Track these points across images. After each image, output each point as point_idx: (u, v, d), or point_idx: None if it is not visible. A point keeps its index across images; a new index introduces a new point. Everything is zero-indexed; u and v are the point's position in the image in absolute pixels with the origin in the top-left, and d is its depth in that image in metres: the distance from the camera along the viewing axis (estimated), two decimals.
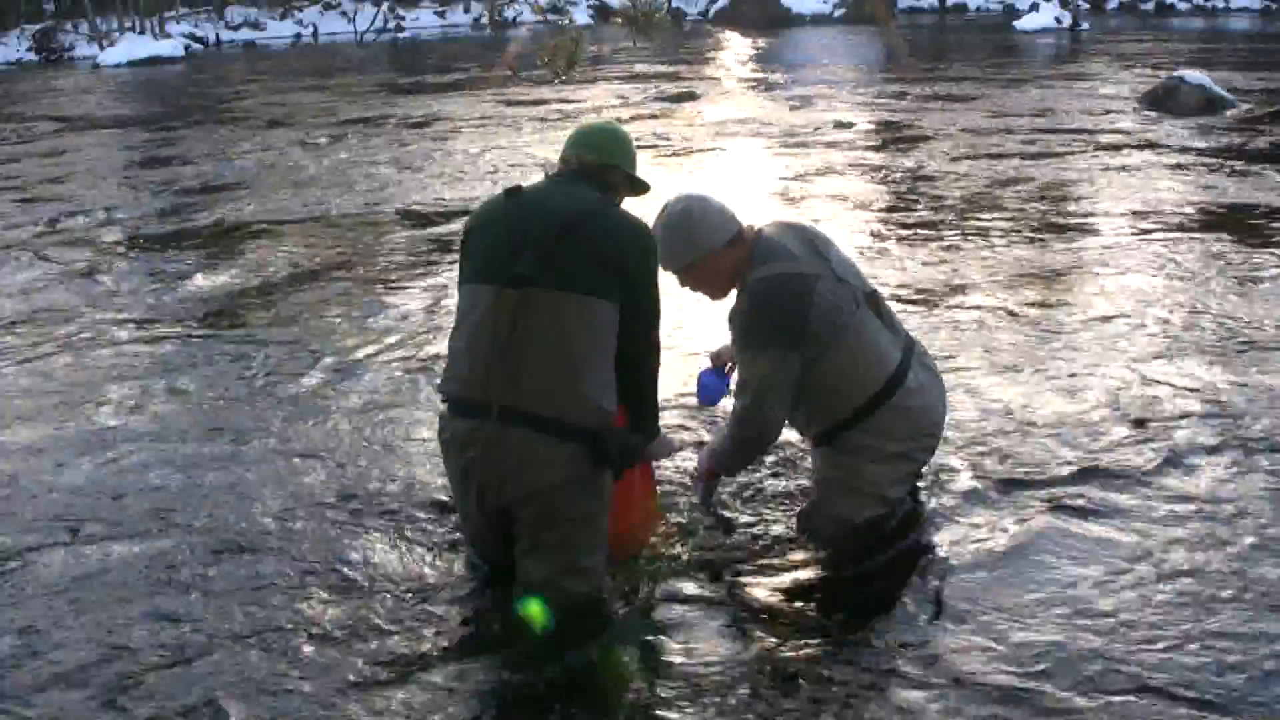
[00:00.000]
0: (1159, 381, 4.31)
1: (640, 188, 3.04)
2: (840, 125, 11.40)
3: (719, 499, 3.40)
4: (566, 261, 2.71)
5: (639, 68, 19.45)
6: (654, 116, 12.99)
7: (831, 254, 3.14)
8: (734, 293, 3.16)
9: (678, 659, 2.70)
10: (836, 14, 35.15)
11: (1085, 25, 27.61)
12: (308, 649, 2.77)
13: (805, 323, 2.96)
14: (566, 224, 2.74)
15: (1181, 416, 3.97)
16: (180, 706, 2.57)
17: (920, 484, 3.43)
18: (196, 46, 32.78)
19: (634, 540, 3.13)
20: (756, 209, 7.80)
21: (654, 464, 3.27)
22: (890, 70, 18.02)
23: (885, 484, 3.15)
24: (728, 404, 3.34)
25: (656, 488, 3.31)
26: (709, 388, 3.44)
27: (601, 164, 2.94)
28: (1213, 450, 3.69)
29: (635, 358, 2.83)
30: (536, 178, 3.03)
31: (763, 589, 2.99)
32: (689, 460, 3.67)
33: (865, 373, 3.04)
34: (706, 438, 3.85)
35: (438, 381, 2.89)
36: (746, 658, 2.70)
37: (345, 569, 3.14)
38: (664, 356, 3.02)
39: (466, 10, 40.09)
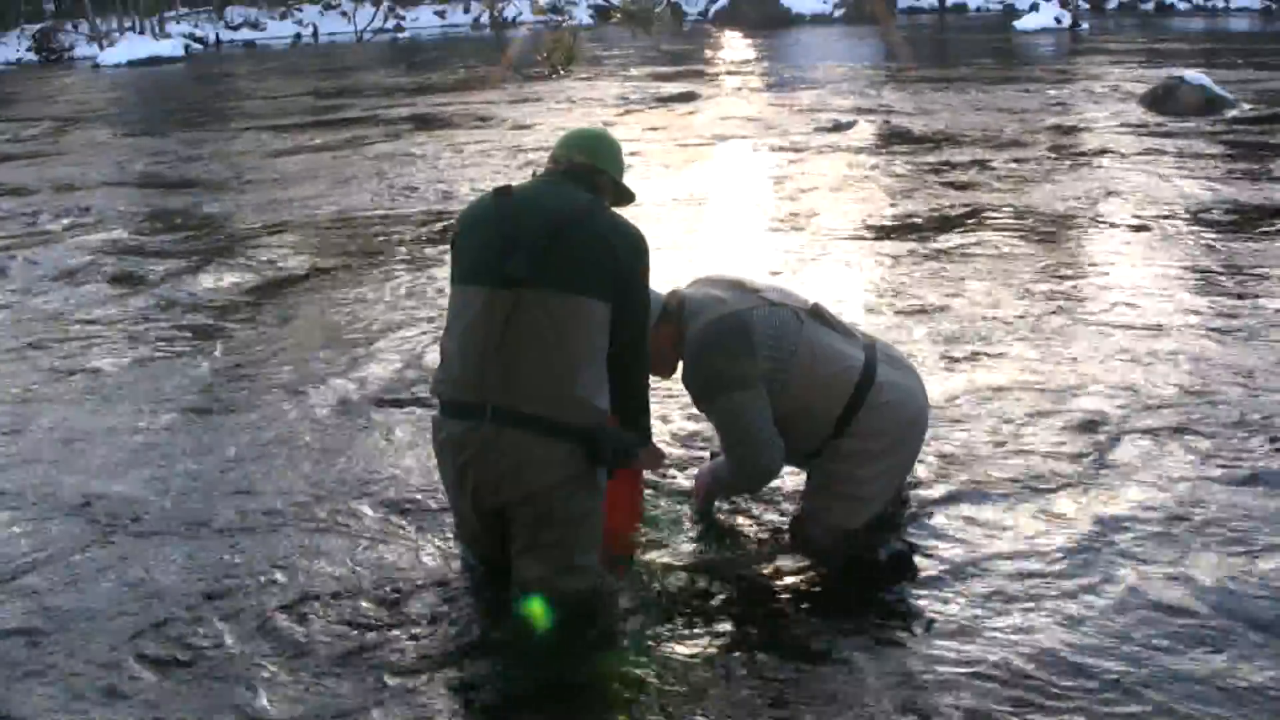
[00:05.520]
0: (1155, 381, 4.30)
1: (625, 196, 3.04)
2: (840, 126, 11.40)
3: (717, 505, 3.40)
4: (558, 262, 2.70)
5: (638, 67, 19.44)
6: (653, 116, 12.98)
7: (760, 285, 3.16)
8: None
9: (675, 660, 2.69)
10: (836, 14, 35.14)
11: (1085, 25, 27.61)
12: (301, 651, 2.76)
13: (753, 354, 2.97)
14: (558, 224, 2.74)
15: (1176, 419, 3.96)
16: (174, 710, 2.57)
17: (911, 482, 3.43)
18: (196, 46, 32.78)
19: (625, 539, 3.12)
20: (755, 210, 7.80)
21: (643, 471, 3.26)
22: (890, 70, 18.01)
23: (879, 485, 3.14)
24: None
25: (642, 490, 3.30)
26: None
27: (591, 166, 2.94)
28: (1204, 453, 3.69)
29: (627, 359, 2.83)
30: (528, 177, 3.04)
31: (758, 592, 2.99)
32: (689, 463, 3.67)
33: (833, 382, 3.03)
34: (695, 442, 3.85)
35: (431, 383, 2.88)
36: (743, 659, 2.70)
37: (338, 571, 3.13)
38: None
39: (466, 10, 40.06)
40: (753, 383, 2.96)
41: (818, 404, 3.03)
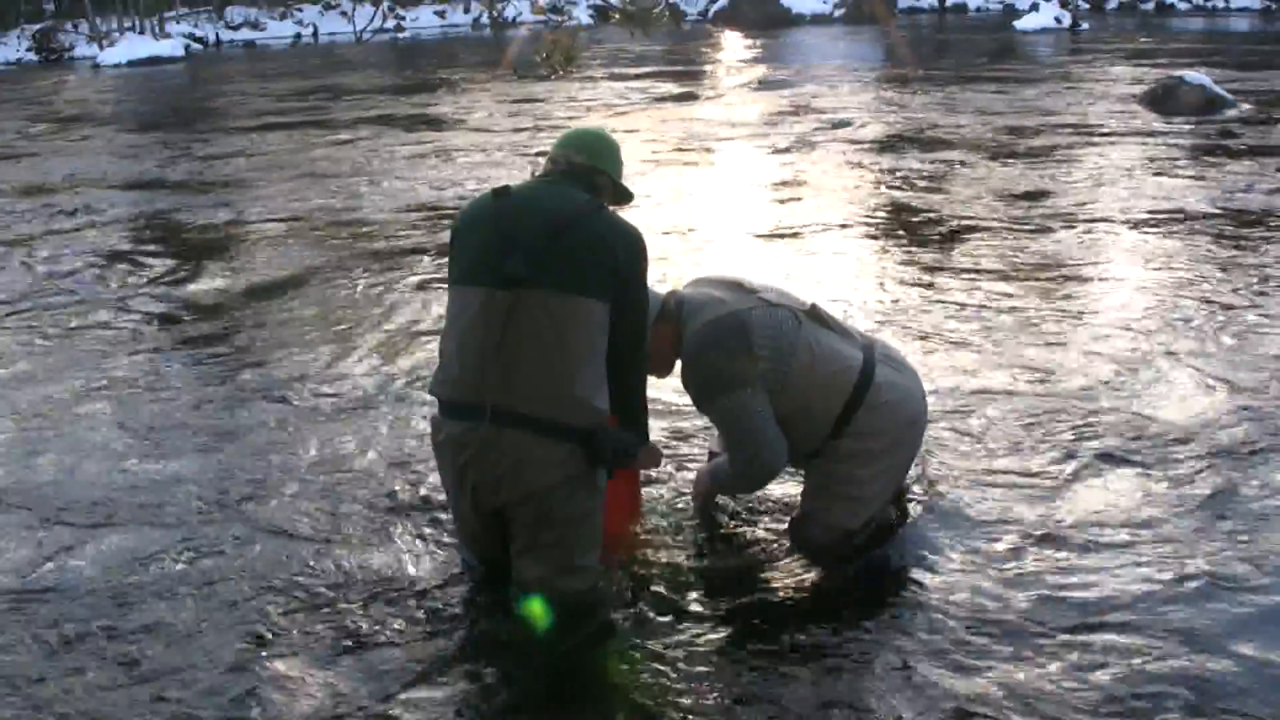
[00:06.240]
0: (1149, 381, 4.30)
1: (624, 196, 3.04)
2: (839, 125, 11.40)
3: (716, 504, 3.40)
4: (558, 262, 2.70)
5: (638, 67, 19.45)
6: (652, 116, 12.98)
7: (758, 285, 3.16)
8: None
9: (675, 660, 2.70)
10: (836, 14, 35.15)
11: (1085, 25, 27.62)
12: (299, 653, 2.76)
13: (752, 353, 2.97)
14: (557, 225, 2.74)
15: (1167, 419, 3.96)
16: (173, 709, 2.57)
17: (909, 482, 3.43)
18: (196, 46, 32.76)
19: (625, 539, 3.12)
20: (754, 210, 7.80)
21: (640, 471, 3.26)
22: (890, 70, 18.01)
23: (878, 485, 3.15)
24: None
25: (640, 490, 3.30)
26: None
27: (590, 166, 2.94)
28: (1195, 455, 3.69)
29: (624, 360, 2.83)
30: (527, 177, 3.04)
31: (758, 592, 2.99)
32: (688, 463, 3.67)
33: (831, 382, 3.04)
34: (694, 443, 3.85)
35: (430, 383, 2.89)
36: (743, 659, 2.71)
37: (338, 571, 3.13)
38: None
39: (466, 10, 40.05)
40: (752, 381, 2.97)
41: (817, 404, 3.03)
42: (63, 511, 3.55)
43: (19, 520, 3.50)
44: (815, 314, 3.14)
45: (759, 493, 3.43)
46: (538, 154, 10.01)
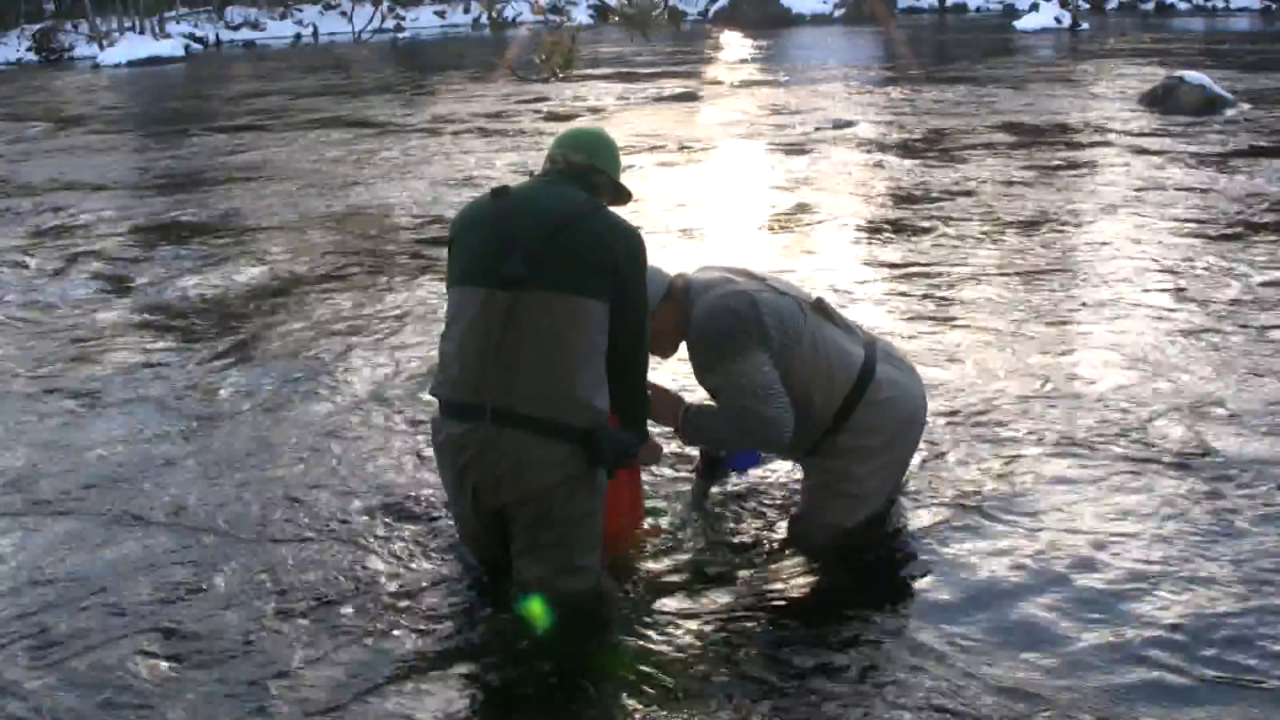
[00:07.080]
0: (1147, 382, 4.30)
1: (623, 196, 3.04)
2: (839, 126, 11.40)
3: (712, 502, 3.40)
4: (557, 262, 2.70)
5: (638, 68, 19.45)
6: (653, 116, 12.99)
7: (765, 275, 3.16)
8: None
9: (675, 660, 2.70)
10: (836, 14, 35.19)
11: (1085, 25, 27.63)
12: (301, 653, 2.76)
13: (761, 323, 2.95)
14: (556, 225, 2.74)
15: (1167, 420, 3.96)
16: (175, 707, 2.57)
17: (904, 481, 3.43)
18: (196, 46, 32.78)
19: (624, 539, 3.13)
20: (754, 210, 7.81)
21: (641, 467, 3.26)
22: (890, 71, 18.01)
23: (875, 483, 3.15)
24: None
25: (643, 490, 3.30)
26: (739, 458, 3.37)
27: (589, 166, 2.94)
28: (1191, 456, 3.69)
29: (624, 359, 2.82)
30: (526, 178, 3.04)
31: (756, 590, 2.99)
32: (687, 463, 3.67)
33: (833, 375, 3.04)
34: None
35: (430, 384, 2.89)
36: (742, 658, 2.71)
37: (338, 572, 3.13)
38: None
39: (466, 10, 40.07)
40: (760, 345, 2.93)
41: (817, 396, 3.03)
42: (63, 507, 3.55)
43: (21, 520, 3.50)
44: (821, 307, 3.14)
45: (757, 492, 3.43)
46: (534, 155, 10.02)
